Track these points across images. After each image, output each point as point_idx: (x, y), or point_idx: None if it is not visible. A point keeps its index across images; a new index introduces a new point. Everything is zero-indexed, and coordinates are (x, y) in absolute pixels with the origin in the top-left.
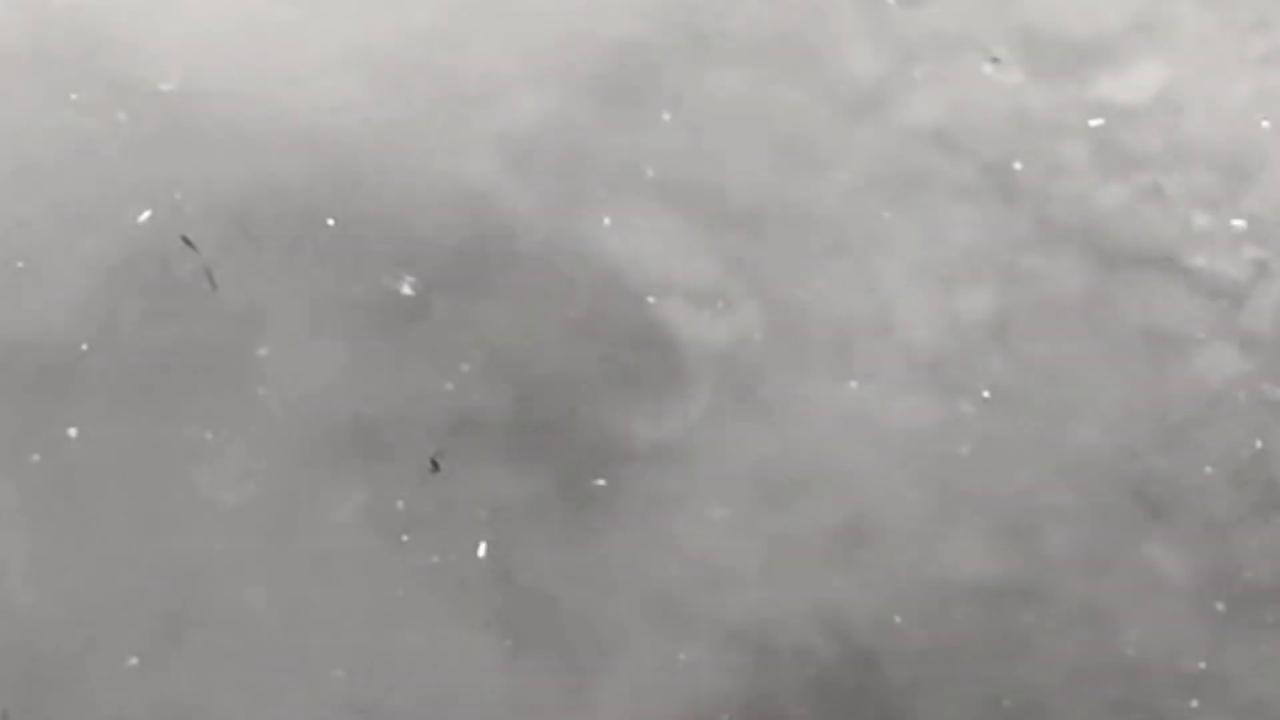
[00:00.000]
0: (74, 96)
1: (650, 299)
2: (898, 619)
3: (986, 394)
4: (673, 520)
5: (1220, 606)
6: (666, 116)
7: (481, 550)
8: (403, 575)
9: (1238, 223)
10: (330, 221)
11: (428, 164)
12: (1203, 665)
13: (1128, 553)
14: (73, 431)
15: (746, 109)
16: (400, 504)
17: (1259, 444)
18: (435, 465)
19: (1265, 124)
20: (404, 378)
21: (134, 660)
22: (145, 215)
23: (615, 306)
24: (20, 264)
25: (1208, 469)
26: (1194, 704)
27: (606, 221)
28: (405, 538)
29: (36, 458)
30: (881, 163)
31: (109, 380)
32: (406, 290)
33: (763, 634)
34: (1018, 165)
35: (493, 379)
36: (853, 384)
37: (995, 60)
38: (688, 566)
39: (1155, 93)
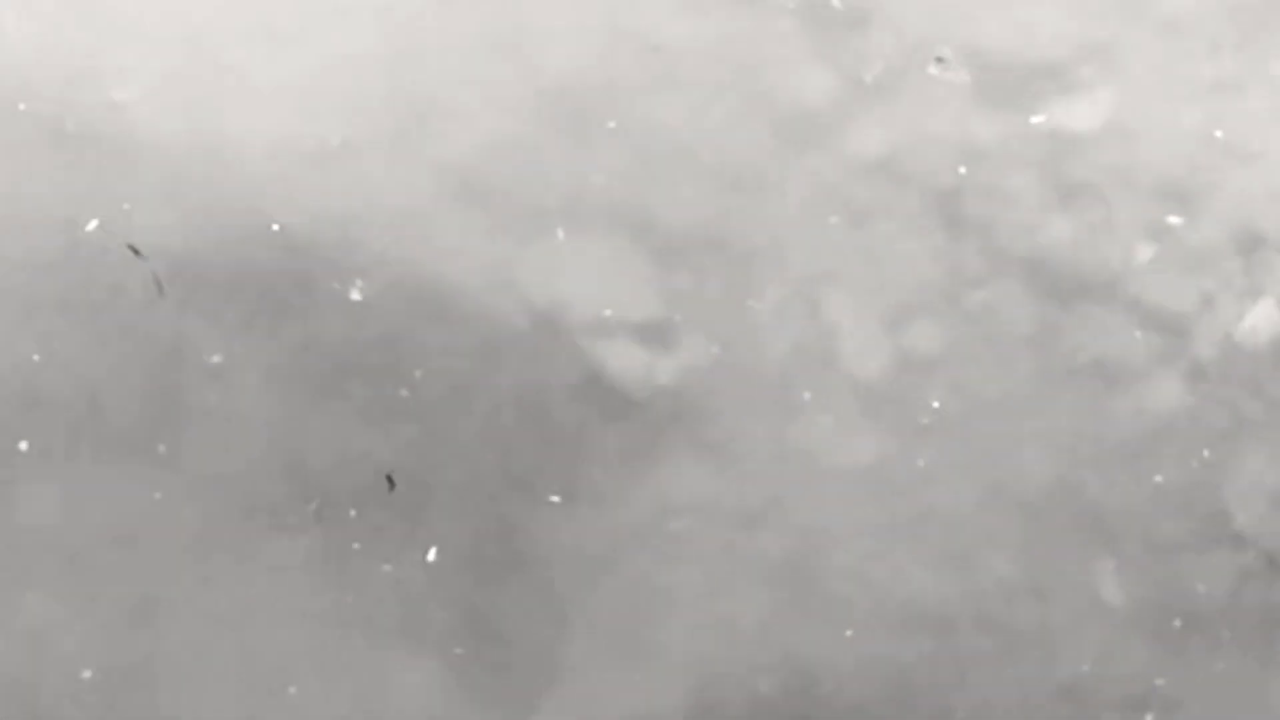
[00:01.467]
0: (22, 106)
1: (592, 330)
2: (843, 646)
3: (932, 425)
4: (620, 548)
5: (1169, 629)
6: (609, 144)
7: (431, 555)
8: (352, 583)
9: (1185, 253)
10: (275, 227)
11: (368, 187)
12: (1147, 687)
13: (1073, 578)
14: (24, 445)
15: (690, 138)
16: (353, 512)
17: (1203, 473)
18: (391, 483)
19: (1216, 152)
20: (353, 389)
21: (87, 674)
22: (93, 225)
23: (556, 337)
24: None
25: (1152, 497)
26: None
27: (547, 251)
28: (356, 545)
29: None
30: (827, 192)
31: (59, 391)
32: (355, 296)
33: (708, 660)
34: (965, 195)
35: (438, 400)
36: (799, 417)
37: (940, 60)
38: (634, 592)
39: (1105, 120)
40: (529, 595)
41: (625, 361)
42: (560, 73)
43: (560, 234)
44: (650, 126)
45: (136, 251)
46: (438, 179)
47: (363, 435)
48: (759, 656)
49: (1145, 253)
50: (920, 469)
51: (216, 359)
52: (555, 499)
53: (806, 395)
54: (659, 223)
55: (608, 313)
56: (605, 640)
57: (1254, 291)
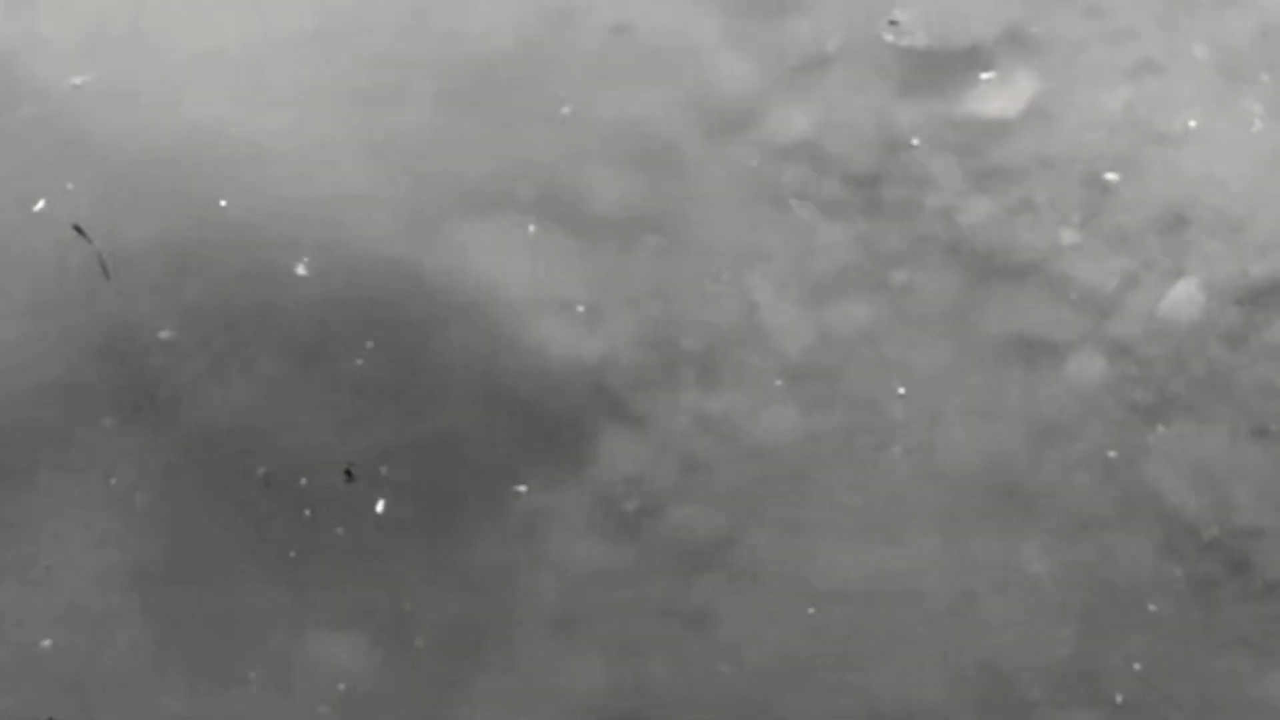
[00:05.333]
0: None
1: (518, 313)
2: (768, 621)
3: (855, 401)
4: (549, 530)
5: (1093, 601)
6: (538, 130)
7: (380, 507)
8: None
9: (1107, 233)
10: (222, 203)
11: (312, 168)
12: (1071, 659)
13: (997, 552)
14: None
15: (619, 124)
16: (304, 480)
17: (1126, 447)
18: (349, 475)
19: (1138, 135)
20: (300, 354)
21: (46, 643)
22: (39, 205)
23: (482, 320)
24: None
25: (1076, 472)
26: (1060, 697)
27: (474, 234)
28: (308, 512)
29: None
30: (752, 176)
31: (7, 367)
32: (301, 271)
33: (632, 637)
34: (886, 179)
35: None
36: (721, 395)
37: (894, 23)
38: (564, 574)
39: (1026, 104)
40: (466, 577)
41: (564, 342)
42: (493, 60)
43: (492, 215)
44: (580, 114)
45: (82, 232)
46: (377, 161)
47: (315, 403)
48: (683, 632)
49: (1067, 233)
50: (843, 444)
51: (166, 334)
52: (503, 469)
53: (730, 372)
54: (587, 207)
55: (537, 291)
56: (536, 624)
57: (1176, 271)
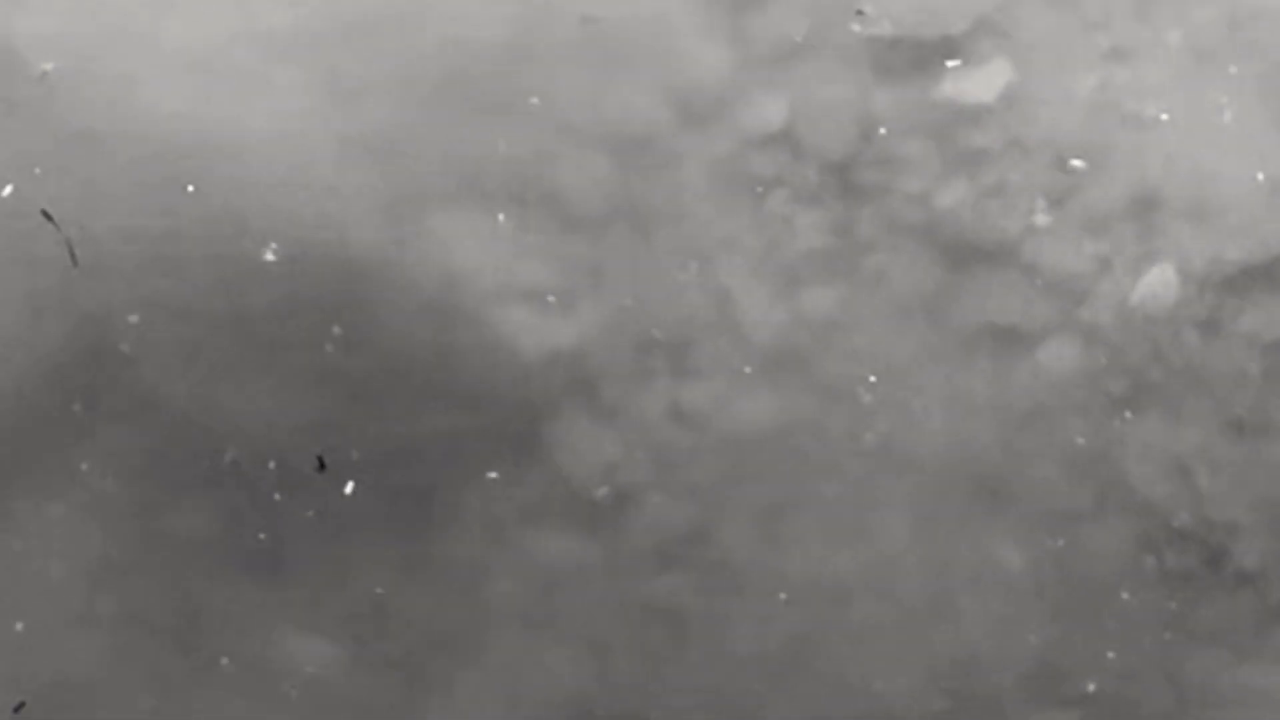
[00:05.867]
0: None
1: (491, 302)
2: (738, 617)
3: (829, 389)
4: (521, 521)
5: (1068, 594)
6: (508, 120)
7: (349, 489)
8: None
9: (1080, 219)
10: (190, 188)
11: (282, 155)
12: (1046, 653)
13: (971, 544)
14: None
15: (590, 113)
16: (272, 464)
17: (1099, 437)
18: (321, 464)
19: (1111, 120)
20: (268, 340)
21: (19, 626)
22: (7, 190)
23: (452, 309)
24: None
25: (1050, 462)
26: (1033, 689)
27: (444, 223)
28: (277, 496)
29: None
30: (725, 163)
31: None
32: (269, 257)
33: (603, 630)
34: (861, 164)
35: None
36: (693, 385)
37: (861, 14)
38: (535, 566)
39: (1000, 90)
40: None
41: (527, 326)
42: (465, 52)
43: (462, 204)
44: (551, 103)
45: (50, 218)
46: (347, 150)
47: (284, 389)
48: (654, 627)
49: (1041, 218)
50: (815, 435)
51: (134, 319)
52: (472, 457)
53: (703, 360)
54: (560, 196)
55: (508, 280)
56: (501, 620)
57: (1150, 256)
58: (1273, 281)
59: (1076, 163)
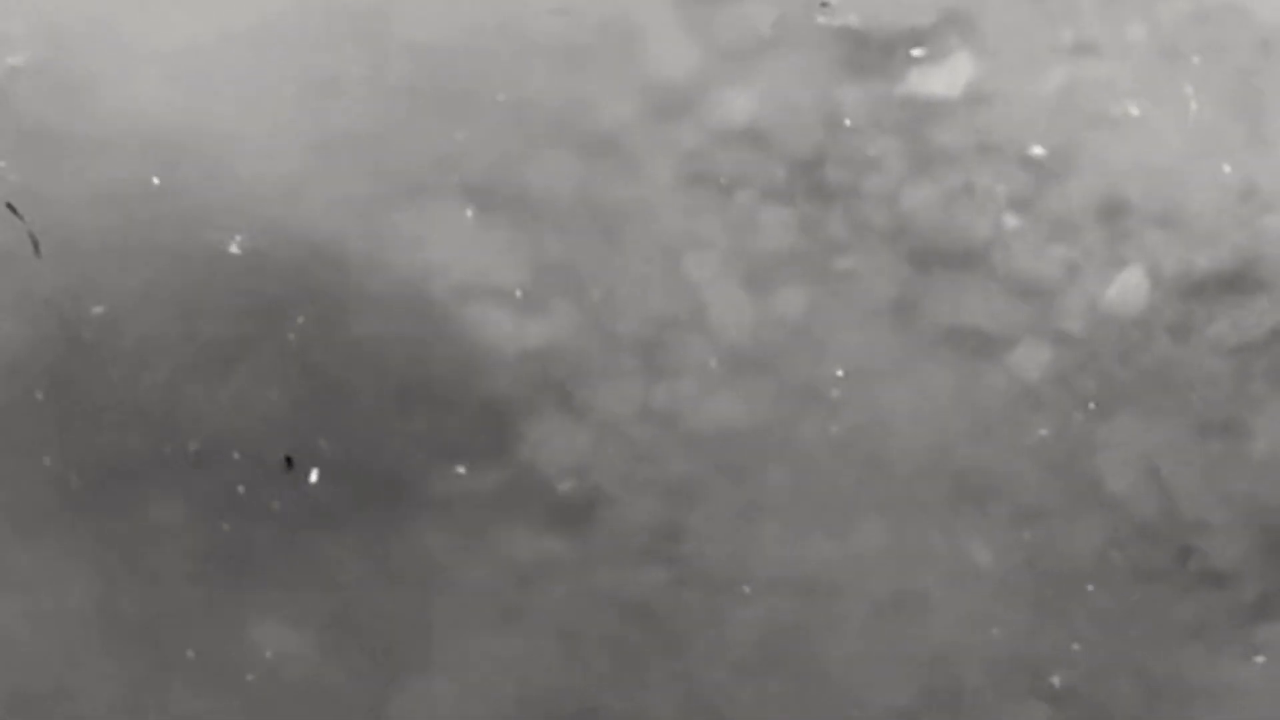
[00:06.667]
0: None
1: (458, 296)
2: (711, 614)
3: (799, 390)
4: (490, 519)
5: (1040, 594)
6: (475, 115)
7: (314, 476)
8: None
9: (1048, 220)
10: (155, 181)
11: (248, 150)
12: (1018, 652)
13: (943, 544)
14: None
15: (557, 109)
16: (236, 455)
17: (1071, 439)
18: (289, 463)
19: (1078, 118)
20: (232, 331)
21: None
22: None
23: (421, 304)
24: None
25: (1021, 464)
26: (1007, 690)
27: (411, 219)
28: (241, 489)
29: None
30: (692, 161)
31: None
32: (234, 249)
33: (575, 629)
34: (827, 163)
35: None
36: (662, 383)
37: (825, 5)
38: (506, 565)
39: (965, 86)
40: (400, 567)
41: (501, 328)
42: (430, 48)
43: (429, 200)
44: (517, 99)
45: (14, 210)
46: (314, 146)
47: (247, 381)
48: (626, 622)
49: (1008, 219)
50: (786, 434)
51: (98, 310)
52: (439, 453)
53: (671, 359)
54: (526, 193)
55: (475, 276)
56: (475, 615)
57: (1119, 260)
58: (1242, 287)
59: (1047, 160)
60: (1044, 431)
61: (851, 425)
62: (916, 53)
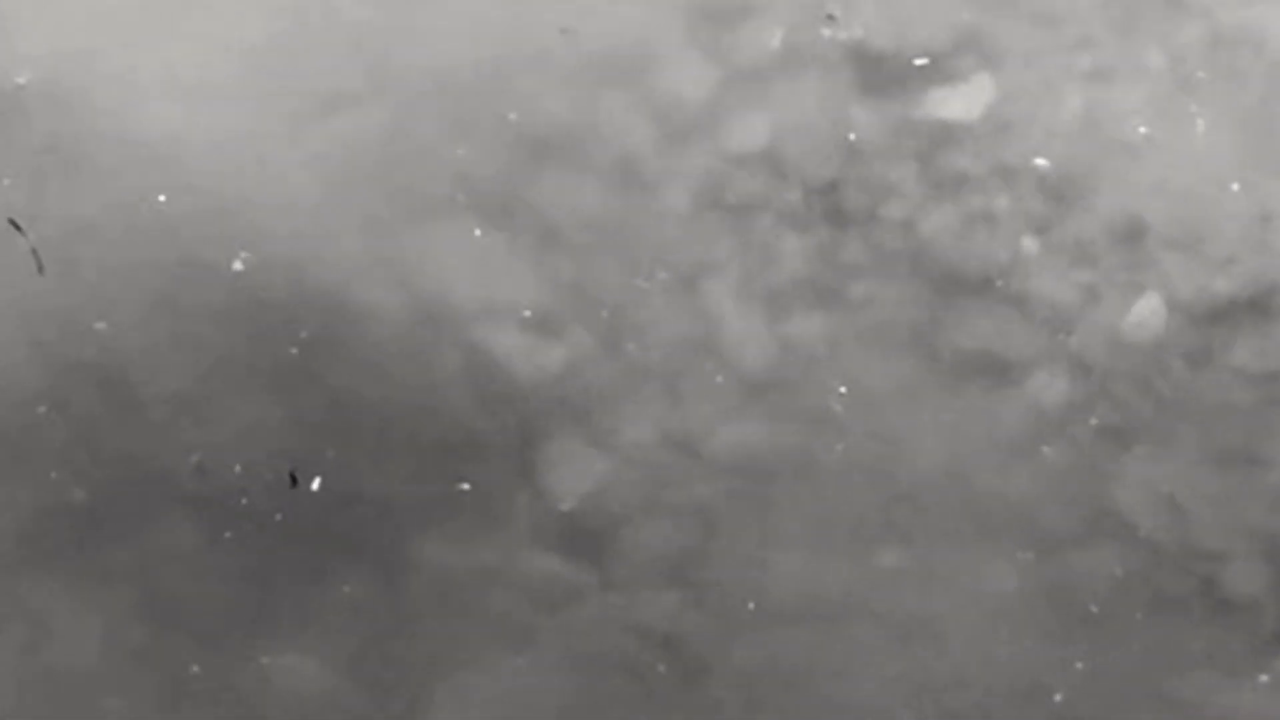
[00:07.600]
0: None
1: (467, 315)
2: (729, 639)
3: (817, 415)
4: (504, 543)
5: (1057, 620)
6: (485, 135)
7: (315, 484)
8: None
9: (1066, 246)
10: (161, 198)
11: (255, 168)
12: (1035, 677)
13: (962, 570)
14: None
15: (568, 129)
16: (238, 468)
17: (1089, 465)
18: (294, 480)
19: (1095, 143)
20: (235, 346)
21: None
22: None
23: (429, 322)
24: None
25: (1040, 490)
26: (1018, 714)
27: (419, 238)
28: (244, 501)
29: None
30: (710, 185)
31: None
32: (238, 266)
33: (592, 654)
34: (846, 187)
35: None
36: (678, 408)
37: (831, 18)
38: (522, 590)
39: (983, 112)
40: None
41: (511, 348)
42: (449, 68)
43: (438, 219)
44: (537, 121)
45: (17, 226)
46: (322, 164)
47: (249, 395)
48: (648, 648)
49: (1027, 245)
50: (803, 460)
51: (101, 325)
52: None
53: (689, 385)
54: (544, 216)
55: (484, 296)
56: (493, 630)
57: (1137, 286)
58: (1261, 314)
59: (1064, 186)
60: (1061, 460)
61: (868, 452)
62: (934, 79)
